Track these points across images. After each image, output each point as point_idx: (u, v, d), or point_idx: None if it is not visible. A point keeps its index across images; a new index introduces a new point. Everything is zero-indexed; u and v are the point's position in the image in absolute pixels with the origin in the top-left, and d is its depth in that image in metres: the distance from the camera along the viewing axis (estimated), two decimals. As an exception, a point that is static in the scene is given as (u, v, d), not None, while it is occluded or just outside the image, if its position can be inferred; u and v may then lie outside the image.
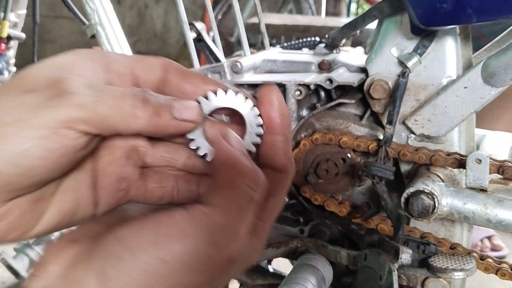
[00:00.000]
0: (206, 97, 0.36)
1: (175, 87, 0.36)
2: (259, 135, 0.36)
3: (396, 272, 0.59)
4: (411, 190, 0.64)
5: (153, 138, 0.38)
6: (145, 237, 0.29)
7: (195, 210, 0.30)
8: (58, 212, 0.34)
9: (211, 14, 0.95)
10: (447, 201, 0.63)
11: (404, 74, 0.69)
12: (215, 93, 0.36)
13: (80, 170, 0.35)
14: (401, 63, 0.70)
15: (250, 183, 0.31)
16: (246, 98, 0.37)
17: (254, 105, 0.37)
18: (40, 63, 0.33)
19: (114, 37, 0.90)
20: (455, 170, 0.70)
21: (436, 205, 0.63)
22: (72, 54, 0.34)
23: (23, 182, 0.30)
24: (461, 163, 0.65)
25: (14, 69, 1.43)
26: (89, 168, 0.36)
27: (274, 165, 0.36)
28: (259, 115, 0.37)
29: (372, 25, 0.82)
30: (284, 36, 2.17)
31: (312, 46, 1.09)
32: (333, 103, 0.75)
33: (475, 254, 0.69)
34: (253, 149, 0.37)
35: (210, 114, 0.37)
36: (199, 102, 0.36)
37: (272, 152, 0.36)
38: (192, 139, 0.37)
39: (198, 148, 0.37)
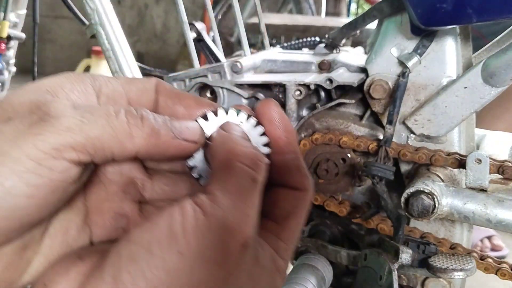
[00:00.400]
0: (206, 118, 0.33)
1: (167, 109, 0.33)
2: (266, 155, 0.33)
3: (396, 272, 0.59)
4: (411, 190, 0.64)
5: (151, 169, 0.35)
6: (160, 232, 0.26)
7: (202, 199, 0.27)
8: (46, 259, 0.30)
9: (211, 14, 0.95)
10: (447, 201, 0.63)
11: (404, 74, 0.69)
12: (215, 113, 0.33)
13: (68, 209, 0.31)
14: (401, 63, 0.70)
15: (247, 162, 0.29)
16: (249, 116, 0.34)
17: (258, 123, 0.34)
18: (23, 88, 0.29)
19: (114, 37, 0.89)
20: (455, 170, 0.70)
21: (436, 205, 0.63)
22: (59, 77, 0.31)
23: (7, 227, 0.26)
24: (461, 163, 0.65)
25: (14, 69, 1.43)
26: (79, 207, 0.32)
27: (291, 185, 0.33)
28: (264, 133, 0.33)
29: (372, 25, 0.82)
30: (284, 36, 2.17)
31: (312, 46, 1.09)
32: (333, 103, 0.75)
33: (475, 254, 0.69)
34: None
35: (211, 136, 0.33)
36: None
37: (285, 173, 0.33)
38: (193, 167, 0.33)
39: (200, 176, 0.34)
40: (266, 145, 0.33)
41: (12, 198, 0.25)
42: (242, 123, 0.34)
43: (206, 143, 0.33)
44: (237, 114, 0.34)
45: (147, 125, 0.29)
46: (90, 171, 0.31)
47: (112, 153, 0.28)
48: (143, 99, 0.33)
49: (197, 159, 0.33)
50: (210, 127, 0.33)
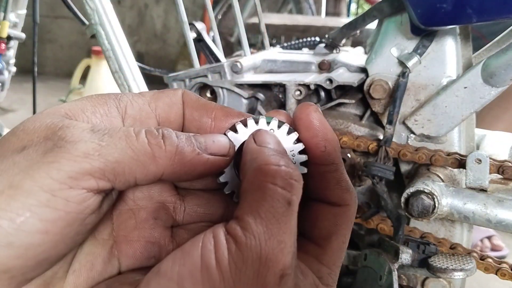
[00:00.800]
0: (235, 130, 0.31)
1: (194, 122, 0.31)
2: (303, 163, 0.30)
3: (396, 272, 0.59)
4: (411, 190, 0.64)
5: (183, 189, 0.33)
6: (192, 265, 0.24)
7: (234, 227, 0.25)
8: None
9: (211, 14, 0.95)
10: (447, 201, 0.63)
11: (404, 74, 0.69)
12: (245, 124, 0.31)
13: (94, 241, 0.29)
14: (401, 63, 0.70)
15: (280, 183, 0.26)
16: (281, 123, 0.31)
17: (292, 130, 0.31)
18: (40, 112, 0.27)
19: (114, 37, 0.89)
20: (455, 170, 0.70)
21: (436, 205, 0.63)
22: (81, 99, 0.29)
23: (22, 266, 0.24)
24: (461, 163, 0.65)
25: (14, 69, 1.43)
26: (106, 238, 0.30)
27: (329, 200, 0.30)
28: (299, 140, 0.30)
29: (372, 25, 0.82)
30: (284, 36, 2.17)
31: (312, 46, 1.09)
32: (333, 103, 0.75)
33: (475, 254, 0.69)
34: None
35: (241, 149, 0.31)
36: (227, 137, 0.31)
37: (323, 185, 0.30)
38: (225, 182, 0.31)
39: (233, 192, 0.31)
40: (302, 152, 0.30)
41: (25, 235, 0.23)
42: (274, 132, 0.31)
43: (237, 157, 0.30)
44: (268, 123, 0.31)
45: (169, 143, 0.27)
46: (111, 200, 0.29)
47: (134, 177, 0.26)
48: (172, 114, 0.31)
49: (228, 174, 0.31)
50: (240, 138, 0.31)
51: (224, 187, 0.31)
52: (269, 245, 0.24)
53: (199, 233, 0.27)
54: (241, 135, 0.31)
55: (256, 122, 0.31)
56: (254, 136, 0.29)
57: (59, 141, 0.25)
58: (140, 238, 0.31)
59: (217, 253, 0.24)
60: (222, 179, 0.31)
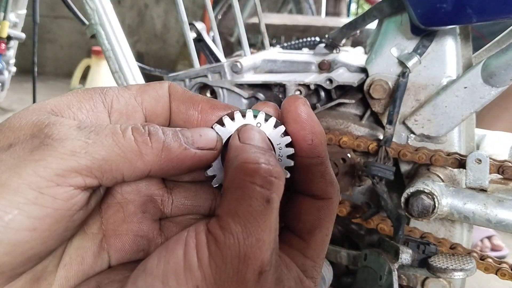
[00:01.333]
0: (222, 124, 0.31)
1: (180, 115, 0.31)
2: (290, 156, 0.30)
3: (396, 272, 0.59)
4: (411, 190, 0.64)
5: (171, 182, 0.33)
6: (175, 263, 0.24)
7: (214, 226, 0.25)
8: None
9: (211, 14, 0.95)
10: (447, 201, 0.63)
11: (404, 74, 0.69)
12: (232, 118, 0.31)
13: (83, 236, 0.30)
14: (401, 63, 0.70)
15: (259, 181, 0.26)
16: (268, 117, 0.31)
17: (279, 123, 0.31)
18: (26, 108, 0.27)
19: (114, 37, 0.89)
20: (455, 170, 0.70)
21: (436, 205, 0.63)
22: (66, 95, 0.29)
23: (11, 262, 0.24)
24: (461, 163, 0.65)
25: (14, 69, 1.44)
26: (95, 232, 0.30)
27: (313, 193, 0.30)
28: (287, 133, 0.30)
29: (372, 25, 0.82)
30: (284, 36, 2.16)
31: (312, 46, 1.09)
32: (333, 103, 0.75)
33: (475, 254, 0.69)
34: (287, 174, 0.30)
35: (228, 142, 0.30)
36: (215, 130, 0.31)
37: (307, 178, 0.30)
38: (212, 176, 0.31)
39: (221, 185, 0.30)
40: (289, 145, 0.30)
41: (13, 232, 0.23)
42: (261, 125, 0.31)
43: (225, 150, 0.30)
44: (255, 116, 0.31)
45: (155, 140, 0.27)
46: (99, 195, 0.29)
47: (121, 174, 0.26)
48: (158, 107, 0.31)
49: (216, 167, 0.31)
50: (228, 132, 0.31)
51: (212, 180, 0.31)
52: (247, 244, 0.25)
53: (186, 227, 0.27)
54: (228, 129, 0.31)
55: (243, 115, 0.31)
56: (239, 132, 0.30)
57: (46, 138, 0.25)
58: (129, 231, 0.31)
59: (198, 252, 0.25)
60: (209, 172, 0.31)
